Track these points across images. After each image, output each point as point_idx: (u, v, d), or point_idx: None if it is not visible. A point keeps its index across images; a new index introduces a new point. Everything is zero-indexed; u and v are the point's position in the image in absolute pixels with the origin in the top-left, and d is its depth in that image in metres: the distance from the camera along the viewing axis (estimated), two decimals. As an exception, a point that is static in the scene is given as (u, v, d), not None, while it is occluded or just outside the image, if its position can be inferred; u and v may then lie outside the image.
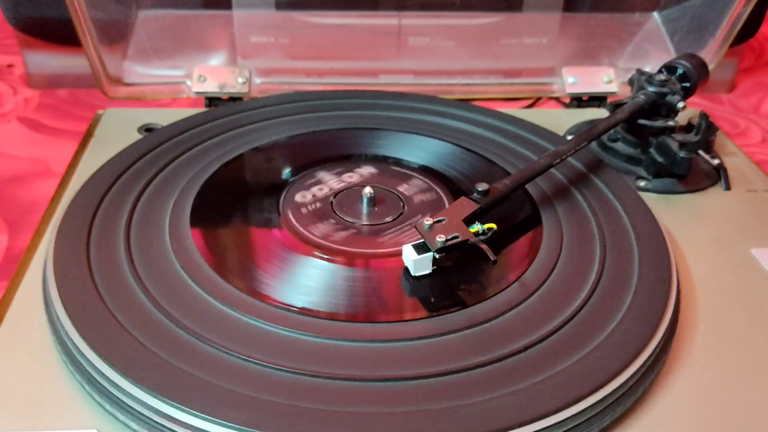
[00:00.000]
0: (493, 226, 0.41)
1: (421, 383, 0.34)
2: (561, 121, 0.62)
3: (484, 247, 0.39)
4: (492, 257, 0.38)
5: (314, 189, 0.49)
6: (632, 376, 0.35)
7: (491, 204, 0.43)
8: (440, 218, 0.41)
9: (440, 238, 0.39)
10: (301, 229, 0.45)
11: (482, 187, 0.42)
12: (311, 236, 0.44)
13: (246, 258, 0.43)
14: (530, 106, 0.77)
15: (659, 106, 0.54)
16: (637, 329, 0.37)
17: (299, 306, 0.38)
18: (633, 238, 0.44)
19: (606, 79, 0.67)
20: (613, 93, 0.67)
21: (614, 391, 0.34)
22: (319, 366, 0.34)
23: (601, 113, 0.64)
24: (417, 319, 0.38)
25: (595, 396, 0.33)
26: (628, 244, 0.44)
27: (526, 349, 0.36)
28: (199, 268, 0.40)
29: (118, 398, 0.33)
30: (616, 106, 0.55)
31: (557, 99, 0.76)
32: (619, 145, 0.56)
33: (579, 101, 0.68)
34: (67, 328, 0.36)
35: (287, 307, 0.38)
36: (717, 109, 0.83)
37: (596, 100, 0.67)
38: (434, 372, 0.34)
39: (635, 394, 0.35)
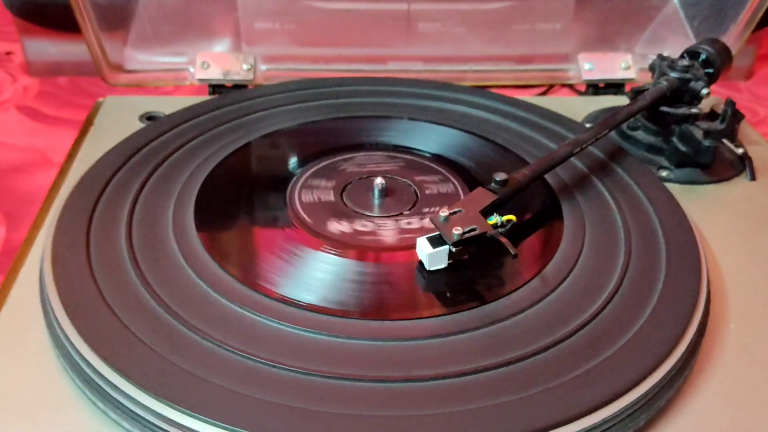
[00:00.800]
0: (513, 217, 0.39)
1: (436, 385, 0.32)
2: (577, 108, 0.60)
3: (503, 240, 0.37)
4: (512, 251, 0.37)
5: (323, 180, 0.47)
6: (667, 373, 0.33)
7: (510, 194, 0.41)
8: (456, 209, 0.39)
9: (457, 231, 0.37)
10: (309, 221, 0.43)
11: (500, 176, 0.41)
12: (320, 229, 0.42)
13: (252, 253, 0.41)
14: (543, 93, 0.75)
15: (682, 93, 0.52)
16: (667, 325, 0.35)
17: (307, 302, 0.36)
18: (659, 230, 0.42)
19: (623, 65, 0.65)
20: (631, 80, 0.65)
21: (650, 389, 0.32)
22: (328, 366, 0.32)
23: (618, 101, 0.62)
24: (432, 317, 0.36)
25: (631, 395, 0.32)
26: (653, 236, 0.42)
27: (549, 348, 0.34)
28: (203, 263, 0.39)
29: (119, 403, 0.31)
30: (637, 92, 0.53)
31: (570, 86, 0.74)
32: (640, 134, 0.54)
33: (595, 88, 0.66)
34: (65, 328, 0.34)
35: (296, 304, 0.36)
36: (735, 97, 0.79)
37: (613, 87, 0.65)
38: (450, 373, 0.32)
39: (669, 393, 0.33)
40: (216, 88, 0.62)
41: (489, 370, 0.33)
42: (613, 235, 0.42)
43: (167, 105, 0.57)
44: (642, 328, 0.35)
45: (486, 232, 0.38)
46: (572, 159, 0.46)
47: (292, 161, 0.49)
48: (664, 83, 0.51)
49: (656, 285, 0.38)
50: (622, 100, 0.61)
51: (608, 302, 0.37)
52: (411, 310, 0.37)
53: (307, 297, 0.37)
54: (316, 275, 0.39)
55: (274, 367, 0.32)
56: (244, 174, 0.48)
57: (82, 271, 0.37)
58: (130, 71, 0.62)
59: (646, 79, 0.64)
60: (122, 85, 0.62)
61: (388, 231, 0.42)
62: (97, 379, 0.32)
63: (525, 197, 0.43)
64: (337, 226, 0.42)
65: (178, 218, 0.42)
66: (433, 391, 0.32)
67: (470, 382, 0.32)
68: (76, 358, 0.33)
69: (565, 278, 0.38)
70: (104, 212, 0.42)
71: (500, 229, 0.39)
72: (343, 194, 0.45)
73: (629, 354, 0.34)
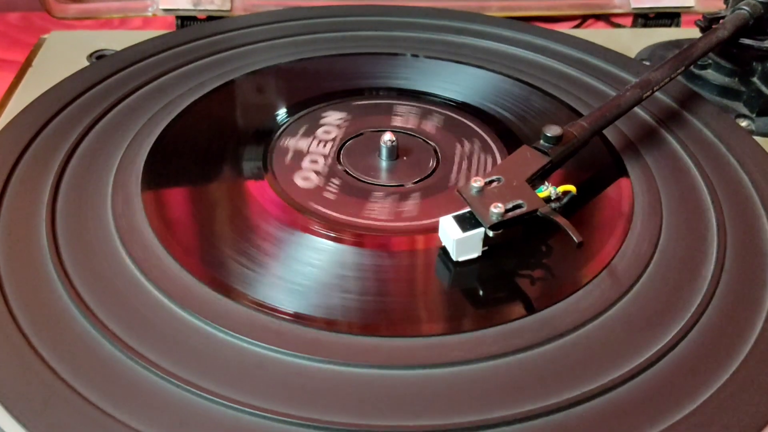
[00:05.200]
0: (572, 188, 0.31)
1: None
2: (625, 43, 0.53)
3: (561, 221, 0.28)
4: (576, 238, 0.28)
5: (315, 135, 0.39)
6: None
7: (565, 155, 0.32)
8: (494, 177, 0.30)
9: (497, 209, 0.29)
10: (294, 191, 0.34)
11: (553, 130, 0.32)
12: (309, 202, 0.34)
13: (218, 237, 0.32)
14: (577, 26, 0.68)
15: (765, 22, 0.44)
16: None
17: (281, 308, 0.27)
18: (757, 199, 0.34)
19: (680, -11, 0.59)
20: (688, 8, 0.59)
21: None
22: (303, 408, 0.24)
23: (674, 33, 0.55)
24: (462, 332, 0.27)
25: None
26: (751, 206, 0.34)
27: (629, 380, 0.25)
28: (152, 251, 0.30)
29: None
30: (712, 20, 0.45)
31: (606, 18, 0.68)
32: (710, 73, 0.47)
33: (645, 19, 0.59)
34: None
35: (267, 310, 0.27)
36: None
37: (667, 17, 0.59)
38: (492, 420, 0.24)
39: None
40: (185, 20, 0.55)
41: (553, 412, 0.24)
42: (698, 207, 0.34)
43: (123, 41, 0.49)
44: (759, 342, 0.27)
45: (537, 210, 0.29)
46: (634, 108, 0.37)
47: (275, 111, 0.41)
48: (745, 9, 0.44)
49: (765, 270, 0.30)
50: (677, 33, 0.55)
51: (708, 304, 0.28)
52: (431, 322, 0.28)
53: (283, 299, 0.28)
54: (298, 267, 0.30)
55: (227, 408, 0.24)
56: (211, 127, 0.39)
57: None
58: (80, 0, 0.55)
59: (706, 7, 0.58)
60: (73, 18, 0.56)
61: (399, 205, 0.34)
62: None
63: (576, 159, 0.34)
64: (332, 199, 0.34)
65: (120, 186, 0.34)
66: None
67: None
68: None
69: (642, 273, 0.30)
70: (23, 180, 0.34)
71: (555, 205, 0.30)
72: (341, 155, 0.37)
73: (749, 377, 0.25)
